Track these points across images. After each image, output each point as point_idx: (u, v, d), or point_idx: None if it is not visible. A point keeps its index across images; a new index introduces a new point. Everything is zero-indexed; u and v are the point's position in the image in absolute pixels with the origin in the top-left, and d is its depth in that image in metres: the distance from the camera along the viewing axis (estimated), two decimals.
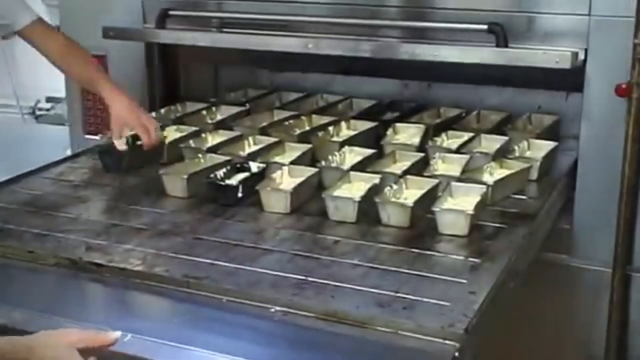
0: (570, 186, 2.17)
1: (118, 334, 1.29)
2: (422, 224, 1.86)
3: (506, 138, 2.33)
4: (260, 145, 2.25)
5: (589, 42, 2.05)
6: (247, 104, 2.63)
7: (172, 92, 2.71)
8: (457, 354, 1.37)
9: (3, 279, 1.62)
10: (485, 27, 2.08)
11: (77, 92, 2.70)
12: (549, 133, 2.41)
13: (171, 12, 2.46)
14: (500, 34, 2.06)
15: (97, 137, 2.43)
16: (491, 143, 2.31)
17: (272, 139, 2.27)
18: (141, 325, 1.40)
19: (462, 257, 1.72)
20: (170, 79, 2.70)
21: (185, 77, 2.75)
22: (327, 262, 1.67)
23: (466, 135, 2.34)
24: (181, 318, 1.44)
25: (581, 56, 2.04)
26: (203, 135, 2.31)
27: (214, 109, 2.56)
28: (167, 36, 2.48)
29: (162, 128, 2.34)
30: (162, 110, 2.52)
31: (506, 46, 2.07)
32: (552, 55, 2.00)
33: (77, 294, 1.55)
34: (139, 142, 2.18)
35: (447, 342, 1.39)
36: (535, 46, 2.10)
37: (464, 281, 1.61)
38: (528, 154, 2.26)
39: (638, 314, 2.19)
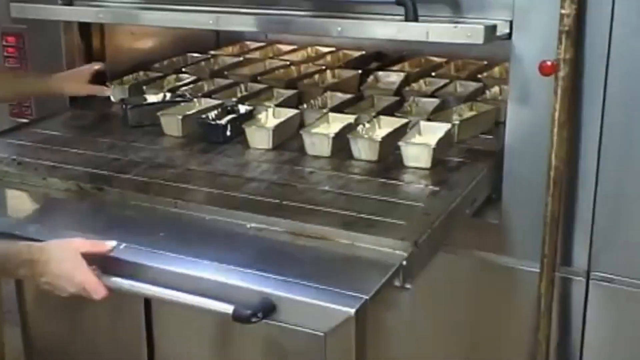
0: None
1: (114, 243, 1.54)
2: (390, 159, 2.05)
3: (480, 84, 2.53)
4: (251, 91, 2.47)
5: (514, 12, 1.84)
6: (242, 56, 2.86)
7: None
8: (404, 262, 1.55)
9: (21, 202, 1.88)
10: None
11: None
12: None
13: None
14: (409, 7, 1.86)
15: (21, 120, 2.54)
16: (465, 89, 2.51)
17: (262, 86, 2.50)
18: (134, 237, 1.63)
19: (422, 186, 1.91)
20: (93, 55, 2.62)
21: (110, 53, 2.68)
22: (301, 189, 1.89)
23: (442, 82, 2.54)
24: (168, 232, 1.67)
25: (504, 29, 1.86)
26: (200, 83, 2.54)
27: (212, 60, 2.80)
28: (62, 13, 2.36)
29: (163, 78, 2.59)
30: (165, 62, 2.76)
31: (416, 20, 1.85)
32: (464, 30, 1.81)
33: (81, 213, 1.80)
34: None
35: (397, 252, 1.58)
36: (459, 18, 1.92)
37: (422, 204, 1.80)
38: (500, 98, 2.44)
39: (576, 325, 1.97)
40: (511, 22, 1.85)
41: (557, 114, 1.80)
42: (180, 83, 2.57)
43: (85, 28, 2.57)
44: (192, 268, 1.52)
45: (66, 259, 1.48)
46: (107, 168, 1.99)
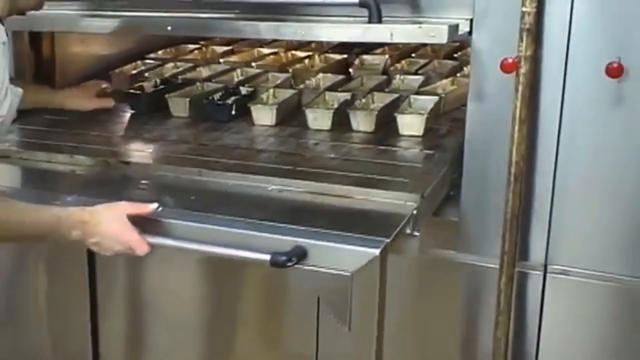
0: None
1: (155, 205, 1.68)
2: (386, 130, 2.24)
3: (457, 62, 2.74)
4: (247, 76, 2.63)
5: (474, 11, 1.84)
6: (232, 45, 3.02)
7: (46, 76, 2.60)
8: (414, 212, 1.73)
9: (54, 179, 2.00)
10: (356, 0, 1.90)
11: None
12: None
13: None
14: (373, 9, 1.87)
15: None
16: (444, 66, 2.71)
17: (257, 70, 2.67)
18: (169, 202, 1.77)
19: (418, 150, 2.11)
20: (43, 63, 2.59)
21: (60, 60, 2.63)
22: (309, 157, 2.05)
23: (422, 61, 2.74)
24: (198, 197, 1.81)
25: (465, 27, 1.87)
26: (198, 69, 2.70)
27: (204, 49, 2.96)
28: (16, 23, 2.09)
29: (162, 65, 2.74)
30: (160, 52, 2.91)
31: (380, 21, 1.87)
32: (427, 30, 1.82)
33: (112, 184, 1.93)
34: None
35: (407, 203, 1.75)
36: (420, 17, 1.94)
37: (420, 165, 2.00)
38: None
39: (533, 317, 1.97)
40: (472, 21, 1.86)
41: (517, 111, 1.81)
42: (179, 70, 2.71)
43: (34, 36, 2.54)
44: (228, 225, 1.65)
45: (114, 220, 1.61)
46: (126, 145, 2.13)
